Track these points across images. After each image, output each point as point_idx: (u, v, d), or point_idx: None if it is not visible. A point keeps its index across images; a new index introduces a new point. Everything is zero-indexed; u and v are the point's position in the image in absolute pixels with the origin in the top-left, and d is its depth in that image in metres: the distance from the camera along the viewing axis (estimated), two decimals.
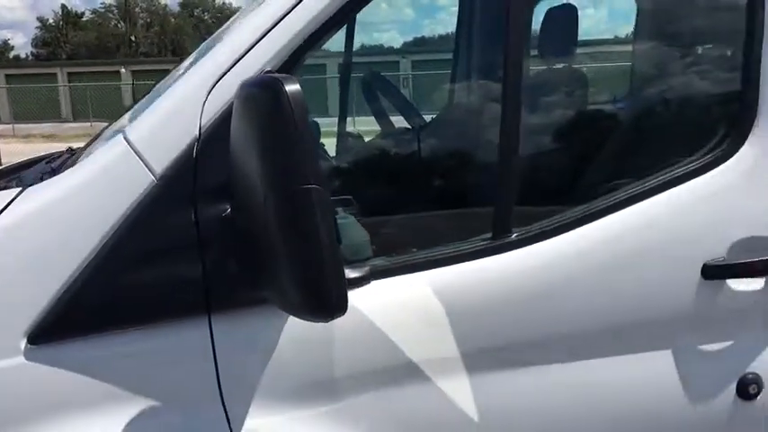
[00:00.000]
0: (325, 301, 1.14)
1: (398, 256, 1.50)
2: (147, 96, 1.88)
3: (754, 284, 1.53)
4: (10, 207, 1.37)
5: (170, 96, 1.39)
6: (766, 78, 1.52)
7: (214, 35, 1.95)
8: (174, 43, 63.19)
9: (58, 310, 1.32)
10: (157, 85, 1.93)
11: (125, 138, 1.38)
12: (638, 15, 2.49)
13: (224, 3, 72.81)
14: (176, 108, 1.37)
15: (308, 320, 1.23)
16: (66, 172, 1.42)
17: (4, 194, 1.45)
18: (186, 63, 1.90)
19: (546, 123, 1.94)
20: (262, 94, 1.12)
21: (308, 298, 1.15)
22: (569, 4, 2.61)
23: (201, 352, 1.37)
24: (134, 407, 1.36)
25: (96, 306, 1.34)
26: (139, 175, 1.34)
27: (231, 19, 2.10)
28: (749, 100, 1.53)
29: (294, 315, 1.25)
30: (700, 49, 1.96)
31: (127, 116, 1.81)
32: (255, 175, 1.16)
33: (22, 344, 1.32)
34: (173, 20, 68.08)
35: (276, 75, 1.16)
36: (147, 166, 1.34)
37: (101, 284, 1.32)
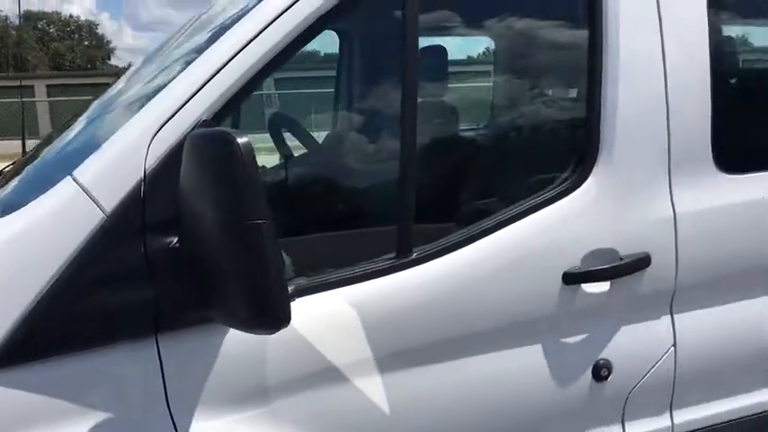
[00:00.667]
0: (272, 316, 1.37)
1: (317, 276, 1.74)
2: (75, 127, 2.03)
3: (602, 287, 1.90)
4: None
5: (116, 140, 1.56)
6: (606, 121, 1.90)
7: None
8: (17, 57, 59.46)
9: (17, 337, 1.46)
10: (87, 112, 2.09)
11: (74, 178, 1.54)
12: (495, 56, 2.87)
13: (71, 15, 69.49)
14: (123, 152, 1.55)
15: (255, 333, 1.46)
16: (20, 210, 1.56)
17: None
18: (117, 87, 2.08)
19: (428, 154, 2.24)
20: (217, 145, 1.34)
21: (257, 314, 1.38)
22: (440, 45, 2.95)
23: (151, 368, 1.56)
24: (89, 422, 1.52)
25: (54, 332, 1.49)
26: (91, 213, 1.51)
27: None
28: (593, 139, 1.90)
29: (242, 330, 1.47)
30: (551, 92, 2.34)
31: (56, 144, 1.96)
32: (209, 212, 1.37)
33: None
34: (13, 32, 64.10)
35: (227, 129, 1.39)
36: (97, 204, 1.51)
37: (58, 312, 1.48)
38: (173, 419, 1.58)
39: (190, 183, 1.44)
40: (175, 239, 1.52)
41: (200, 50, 1.71)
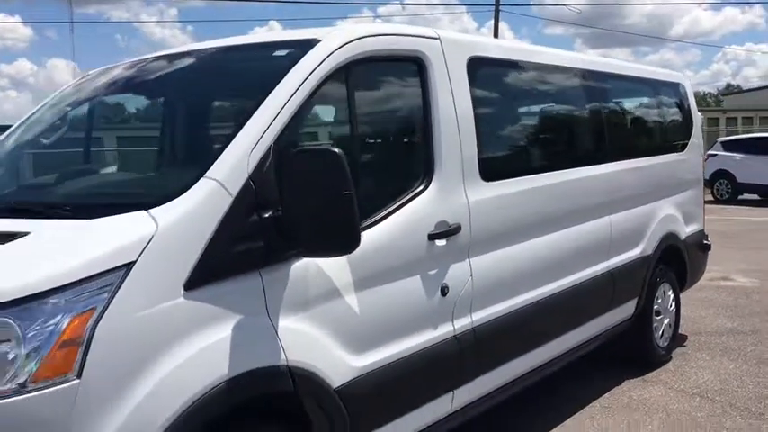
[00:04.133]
0: (353, 243, 2.63)
1: None
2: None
3: (443, 242, 3.45)
4: (156, 220, 2.43)
5: (228, 155, 2.64)
6: (436, 156, 3.48)
7: None
8: None
9: (196, 271, 2.46)
10: None
11: (209, 177, 2.58)
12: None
13: None
14: (234, 160, 2.64)
15: (338, 256, 2.69)
16: (172, 201, 2.52)
17: (129, 216, 2.47)
18: None
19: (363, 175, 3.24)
20: (324, 155, 2.57)
21: (344, 243, 2.63)
22: None
23: (258, 288, 2.65)
24: (233, 320, 2.55)
25: (214, 268, 2.51)
26: (225, 197, 2.58)
27: None
28: (431, 165, 3.48)
29: (328, 256, 2.69)
30: (416, 143, 3.75)
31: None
32: (314, 192, 2.57)
33: (181, 290, 2.42)
34: None
35: (324, 145, 2.61)
36: (228, 192, 2.58)
37: (214, 256, 2.51)
38: (270, 318, 2.68)
39: (294, 176, 2.62)
40: (273, 211, 2.66)
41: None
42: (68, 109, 3.78)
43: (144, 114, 3.67)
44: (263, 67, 3.28)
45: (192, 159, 2.89)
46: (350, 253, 2.71)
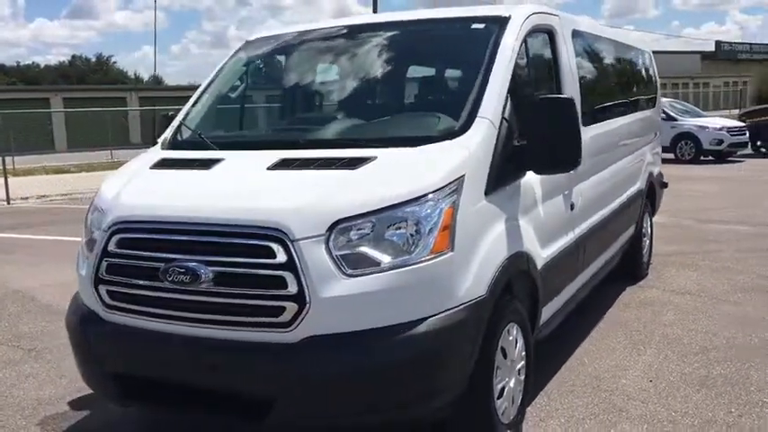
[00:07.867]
0: (578, 161, 3.76)
1: None
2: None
3: (571, 173, 4.64)
4: (467, 147, 3.44)
5: (487, 100, 3.67)
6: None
7: None
8: None
9: (488, 182, 3.51)
10: None
11: (482, 117, 3.60)
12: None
13: None
14: (493, 105, 3.68)
15: (564, 172, 3.82)
16: (465, 134, 3.52)
17: (446, 144, 3.45)
18: None
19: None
20: (563, 100, 3.67)
21: (571, 162, 3.75)
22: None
23: (514, 194, 3.73)
24: (503, 218, 3.63)
25: (494, 182, 3.56)
26: (492, 129, 3.62)
27: None
28: None
29: (556, 173, 3.82)
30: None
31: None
32: (551, 126, 3.66)
33: (483, 195, 3.46)
34: None
35: (561, 95, 3.71)
36: (495, 127, 3.63)
37: (494, 173, 3.56)
38: (516, 218, 3.76)
39: (537, 117, 3.69)
40: (516, 140, 3.73)
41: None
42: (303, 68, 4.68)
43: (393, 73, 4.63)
44: (477, 38, 4.25)
45: (459, 105, 3.83)
46: (575, 169, 3.84)
